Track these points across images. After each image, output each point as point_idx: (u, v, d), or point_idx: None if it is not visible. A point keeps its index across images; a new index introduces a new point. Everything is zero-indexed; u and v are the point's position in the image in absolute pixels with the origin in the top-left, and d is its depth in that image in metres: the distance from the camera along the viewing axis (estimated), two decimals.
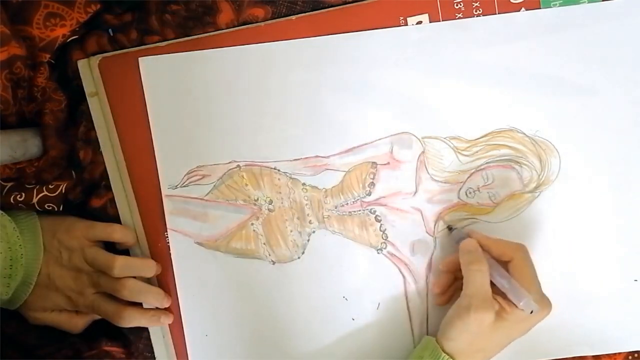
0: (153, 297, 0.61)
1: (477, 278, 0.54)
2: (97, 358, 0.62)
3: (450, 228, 0.61)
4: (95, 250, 0.59)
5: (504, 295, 0.54)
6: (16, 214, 0.59)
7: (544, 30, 0.59)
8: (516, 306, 0.53)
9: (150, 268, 0.61)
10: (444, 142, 0.60)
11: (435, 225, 0.61)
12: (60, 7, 0.56)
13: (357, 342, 0.62)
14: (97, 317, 0.62)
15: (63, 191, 0.60)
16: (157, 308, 0.62)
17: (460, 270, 0.56)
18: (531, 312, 0.53)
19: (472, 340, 0.54)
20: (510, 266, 0.55)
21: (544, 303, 0.54)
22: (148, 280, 0.62)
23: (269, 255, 0.62)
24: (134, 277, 0.59)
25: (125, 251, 0.62)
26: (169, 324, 0.63)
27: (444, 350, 0.55)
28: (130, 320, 0.59)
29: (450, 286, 0.60)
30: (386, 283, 0.61)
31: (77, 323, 0.61)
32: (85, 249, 0.59)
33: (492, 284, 0.55)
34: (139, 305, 0.61)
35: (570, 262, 0.61)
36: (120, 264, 0.58)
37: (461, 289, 0.56)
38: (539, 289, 0.55)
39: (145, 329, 0.63)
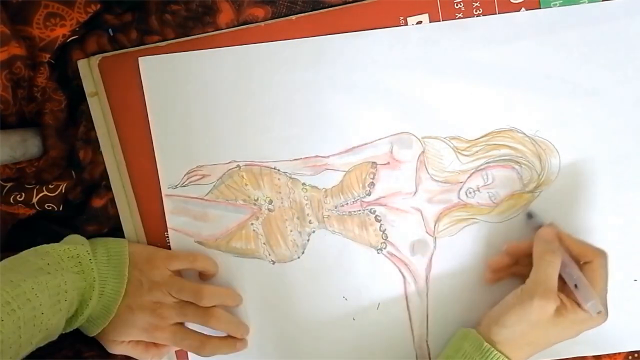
0: (235, 327, 0.61)
1: (548, 269, 0.54)
2: (97, 358, 0.62)
3: (529, 215, 0.60)
4: (181, 281, 0.59)
5: (566, 293, 0.54)
6: (109, 244, 0.59)
7: (544, 30, 0.59)
8: (579, 306, 0.53)
9: (234, 297, 0.61)
10: (444, 142, 0.60)
11: (435, 225, 0.61)
12: (60, 7, 0.56)
13: (357, 342, 0.62)
14: (175, 349, 0.62)
15: (63, 191, 0.60)
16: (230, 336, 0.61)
17: (522, 257, 0.56)
18: (598, 312, 0.52)
19: (527, 331, 0.53)
20: (585, 268, 0.55)
21: (605, 312, 0.54)
22: None
23: (269, 255, 0.62)
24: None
25: None
26: None
27: (488, 340, 0.54)
28: (213, 350, 0.60)
29: (504, 270, 0.60)
30: (386, 283, 0.61)
31: (155, 354, 0.60)
32: (168, 280, 0.58)
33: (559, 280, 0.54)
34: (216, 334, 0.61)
35: None
36: (210, 293, 0.58)
37: (515, 276, 0.56)
38: (605, 298, 0.54)
39: None
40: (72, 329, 0.56)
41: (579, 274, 0.54)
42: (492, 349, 0.53)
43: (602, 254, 0.55)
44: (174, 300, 0.58)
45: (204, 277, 0.62)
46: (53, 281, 0.51)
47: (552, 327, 0.53)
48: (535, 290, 0.53)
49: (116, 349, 0.60)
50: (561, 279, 0.54)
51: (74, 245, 0.56)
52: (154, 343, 0.60)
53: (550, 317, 0.53)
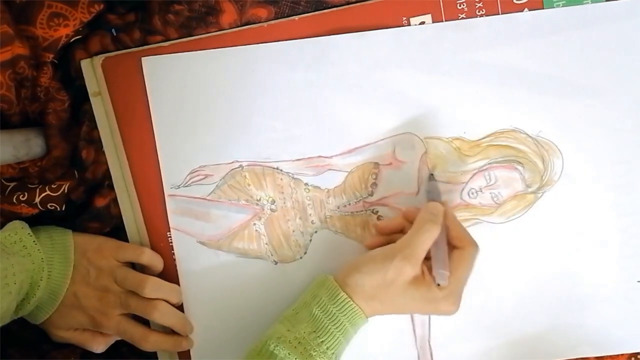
0: (179, 323, 0.61)
1: (423, 235, 0.53)
2: (100, 356, 0.62)
3: (432, 176, 0.60)
4: (126, 270, 0.60)
5: (428, 269, 0.54)
6: (52, 230, 0.60)
7: (547, 30, 0.59)
8: (434, 280, 0.53)
9: (178, 293, 0.61)
10: (446, 142, 0.60)
11: None
12: (63, 7, 0.56)
13: (358, 342, 0.62)
14: (119, 338, 0.61)
15: (66, 191, 0.60)
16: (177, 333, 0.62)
17: (396, 234, 0.56)
18: (438, 285, 0.53)
19: (379, 286, 0.53)
20: (455, 252, 0.55)
21: (455, 301, 0.54)
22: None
23: (272, 255, 0.62)
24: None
25: None
26: None
27: (339, 283, 0.54)
28: (155, 344, 0.60)
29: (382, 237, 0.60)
30: None
31: (100, 343, 0.61)
32: (115, 269, 0.59)
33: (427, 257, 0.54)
34: (162, 329, 0.61)
35: (573, 263, 0.61)
36: (152, 284, 0.58)
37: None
38: (460, 289, 0.54)
39: None
40: (25, 314, 0.57)
41: (444, 249, 0.54)
42: (348, 299, 0.53)
43: (475, 246, 0.55)
44: (119, 290, 0.59)
45: (148, 272, 0.62)
46: None
47: (403, 293, 0.53)
48: (400, 250, 0.53)
49: (61, 337, 0.60)
50: (429, 258, 0.54)
51: (14, 231, 0.57)
52: (100, 332, 0.60)
53: (404, 282, 0.53)
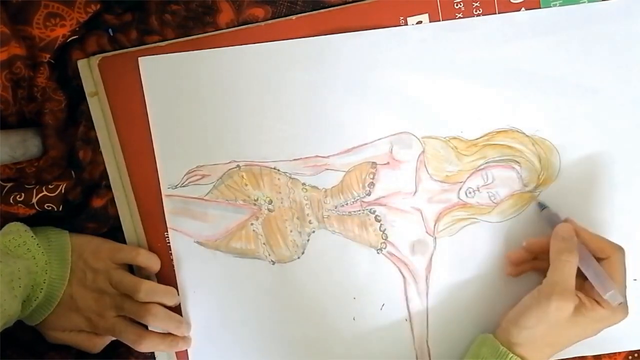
0: (174, 325, 0.61)
1: (565, 268, 0.53)
2: (98, 356, 0.62)
3: (541, 206, 0.60)
4: (122, 273, 0.60)
5: (585, 292, 0.54)
6: (48, 231, 0.60)
7: (544, 30, 0.59)
8: (598, 303, 0.53)
9: (172, 296, 0.61)
10: (443, 142, 0.60)
11: (435, 225, 0.61)
12: (60, 7, 0.56)
13: (356, 342, 0.62)
14: (115, 338, 0.61)
15: (63, 191, 0.60)
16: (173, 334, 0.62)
17: (541, 253, 0.56)
18: (619, 304, 0.52)
19: (546, 332, 0.53)
20: (603, 263, 0.54)
21: (622, 307, 0.54)
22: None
23: (269, 255, 0.62)
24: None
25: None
26: None
27: (506, 345, 0.54)
28: (151, 346, 0.60)
29: (524, 264, 0.60)
30: (386, 283, 0.61)
31: (96, 344, 0.61)
32: (111, 271, 0.59)
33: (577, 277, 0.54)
34: (157, 330, 0.61)
35: None
36: (146, 288, 0.59)
37: (536, 270, 0.56)
38: (625, 292, 0.54)
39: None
40: (24, 316, 0.57)
41: (597, 266, 0.54)
42: (508, 352, 0.53)
43: (619, 250, 0.55)
44: (115, 292, 0.59)
45: (145, 273, 0.62)
46: (7, 269, 0.52)
47: (571, 327, 0.53)
48: (552, 291, 0.53)
49: (57, 339, 0.60)
50: (579, 277, 0.54)
51: (17, 234, 0.57)
52: (96, 333, 0.60)
53: (569, 316, 0.52)
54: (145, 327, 0.61)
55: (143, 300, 0.59)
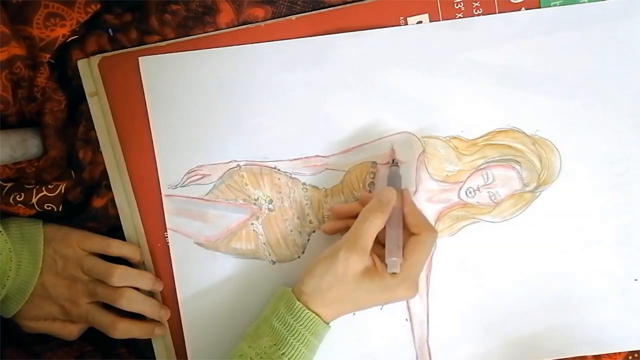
0: (150, 309, 0.60)
1: (365, 225, 0.53)
2: (96, 356, 0.62)
3: (394, 161, 0.59)
4: (93, 259, 0.59)
5: (380, 258, 0.54)
6: (22, 222, 0.59)
7: (544, 29, 0.59)
8: (386, 267, 0.53)
9: (148, 280, 0.60)
10: (444, 141, 0.60)
11: (435, 224, 0.61)
12: (60, 7, 0.56)
13: (357, 342, 0.62)
14: (90, 326, 0.61)
15: (62, 191, 0.60)
16: (151, 320, 0.61)
17: (352, 219, 0.56)
18: (392, 273, 0.52)
19: (333, 284, 0.53)
20: (412, 239, 0.54)
21: (411, 286, 0.53)
22: (148, 292, 0.62)
23: (269, 255, 0.62)
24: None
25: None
26: (170, 325, 0.62)
27: (297, 293, 0.54)
28: (125, 331, 0.59)
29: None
30: None
31: (72, 331, 0.61)
32: (82, 258, 0.59)
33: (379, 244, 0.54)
34: (132, 316, 0.60)
35: (570, 262, 0.61)
36: (119, 273, 0.58)
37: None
38: (416, 274, 0.54)
39: None
40: (8, 302, 0.58)
41: (398, 235, 0.54)
42: (303, 308, 0.53)
43: (431, 231, 0.55)
44: (87, 278, 0.59)
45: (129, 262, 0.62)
46: None
47: (358, 287, 0.53)
48: (345, 243, 0.53)
49: (32, 328, 0.60)
50: (382, 244, 0.54)
51: None
52: (71, 320, 0.60)
53: (356, 274, 0.53)
54: (121, 314, 0.60)
55: (116, 285, 0.58)
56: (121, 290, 0.58)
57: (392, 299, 0.54)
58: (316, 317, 0.53)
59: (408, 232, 0.55)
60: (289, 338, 0.53)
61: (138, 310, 0.60)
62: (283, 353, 0.53)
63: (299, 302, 0.54)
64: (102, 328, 0.59)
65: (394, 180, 0.58)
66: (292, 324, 0.53)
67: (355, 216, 0.56)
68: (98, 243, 0.60)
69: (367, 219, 0.53)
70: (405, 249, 0.54)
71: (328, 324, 0.55)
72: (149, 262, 0.62)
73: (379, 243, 0.55)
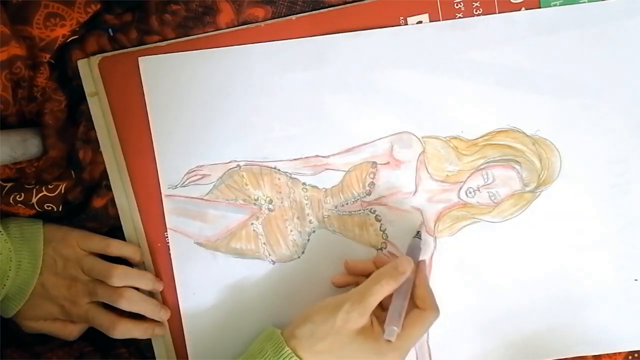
0: (150, 309, 0.60)
1: (374, 287, 0.53)
2: (96, 357, 0.62)
3: (418, 234, 0.60)
4: (93, 259, 0.59)
5: (380, 321, 0.54)
6: (22, 222, 0.60)
7: (544, 29, 0.59)
8: (383, 332, 0.52)
9: (148, 280, 0.60)
10: (444, 141, 0.60)
11: (435, 225, 0.61)
12: (60, 7, 0.56)
13: None
14: (91, 325, 0.61)
15: (62, 191, 0.60)
16: (151, 320, 0.61)
17: (363, 277, 0.56)
18: (387, 340, 0.52)
19: (327, 334, 0.52)
20: (415, 312, 0.54)
21: (402, 355, 0.53)
22: (148, 292, 0.62)
23: (269, 255, 0.62)
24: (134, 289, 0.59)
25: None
26: (170, 325, 0.63)
27: (286, 336, 0.54)
28: (124, 331, 0.59)
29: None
30: None
31: (72, 331, 0.61)
32: (82, 258, 0.59)
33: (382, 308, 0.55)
34: (132, 316, 0.60)
35: (570, 262, 0.61)
36: (119, 273, 0.58)
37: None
38: (408, 347, 0.53)
39: None
40: (7, 302, 0.58)
41: (402, 304, 0.54)
42: (292, 354, 0.52)
43: (435, 311, 0.55)
44: (87, 278, 0.59)
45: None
46: None
47: (350, 343, 0.52)
48: (350, 297, 0.53)
49: (32, 328, 0.60)
50: (385, 309, 0.54)
51: None
52: (71, 320, 0.60)
53: (353, 331, 0.52)
54: (121, 314, 0.60)
55: (116, 285, 0.58)
56: (121, 291, 0.58)
57: None
58: None
59: (412, 303, 0.55)
60: None
61: (138, 311, 0.60)
62: None
63: (287, 347, 0.53)
64: (102, 328, 0.59)
65: (414, 252, 0.58)
66: None
67: (366, 274, 0.56)
68: (98, 243, 0.60)
69: (379, 282, 0.53)
70: (406, 320, 0.53)
71: None
72: (149, 262, 0.62)
73: (380, 305, 0.55)
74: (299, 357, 0.52)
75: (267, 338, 0.55)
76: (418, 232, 0.60)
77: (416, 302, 0.55)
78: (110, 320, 0.59)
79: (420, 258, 0.59)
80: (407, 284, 0.55)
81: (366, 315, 0.53)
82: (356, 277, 0.59)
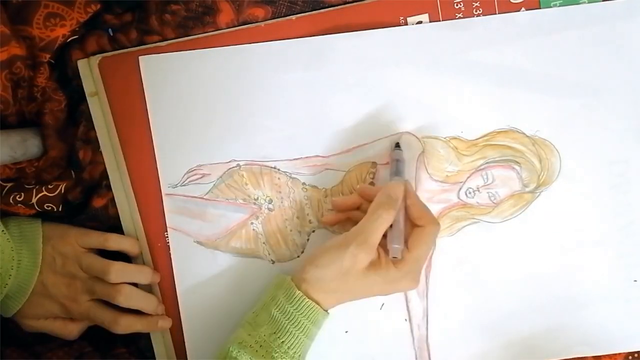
0: (147, 304, 0.60)
1: (376, 222, 0.53)
2: (96, 357, 0.62)
3: (397, 145, 0.59)
4: (91, 256, 0.59)
5: (385, 251, 0.54)
6: (21, 220, 0.60)
7: (544, 30, 0.59)
8: (393, 264, 0.53)
9: (145, 274, 0.61)
10: (443, 142, 0.60)
11: None
12: (60, 7, 0.56)
13: (356, 342, 0.62)
14: (91, 323, 0.61)
15: (62, 191, 0.60)
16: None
17: (353, 211, 0.56)
18: (394, 257, 0.53)
19: (336, 276, 0.53)
20: (415, 230, 0.55)
21: (414, 278, 0.54)
22: (149, 288, 0.62)
23: (269, 254, 0.62)
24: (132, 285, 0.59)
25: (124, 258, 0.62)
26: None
27: (297, 281, 0.54)
28: (127, 326, 0.59)
29: (346, 211, 0.60)
30: None
31: (72, 330, 0.61)
32: (81, 256, 0.59)
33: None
34: (134, 311, 0.60)
35: (570, 262, 0.61)
36: (116, 269, 0.58)
37: (352, 222, 0.56)
38: (420, 266, 0.55)
39: None
40: (8, 301, 0.58)
41: (401, 225, 0.54)
42: (303, 297, 0.53)
43: (435, 224, 0.55)
44: (86, 276, 0.59)
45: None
46: None
47: (362, 280, 0.53)
48: (354, 239, 0.53)
49: (33, 327, 0.60)
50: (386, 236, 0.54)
51: None
52: (71, 318, 0.60)
53: (362, 268, 0.53)
54: (122, 309, 0.60)
55: (114, 281, 0.58)
56: (118, 287, 0.59)
57: (395, 290, 0.55)
58: (316, 305, 0.54)
59: (411, 224, 0.55)
60: (288, 327, 0.53)
61: (136, 307, 0.60)
62: (283, 341, 0.53)
63: (299, 291, 0.54)
64: (104, 324, 0.59)
65: (398, 166, 0.58)
66: (292, 312, 0.53)
67: (356, 208, 0.56)
68: (96, 239, 0.60)
69: (380, 215, 0.53)
70: (410, 242, 0.54)
71: (327, 311, 0.55)
72: (149, 261, 0.62)
73: (383, 235, 0.55)
74: (312, 298, 0.53)
75: (277, 286, 0.56)
76: (397, 143, 0.59)
77: (414, 221, 0.55)
78: (112, 315, 0.59)
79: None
80: (400, 205, 0.55)
81: (373, 252, 0.53)
82: (346, 214, 0.59)
